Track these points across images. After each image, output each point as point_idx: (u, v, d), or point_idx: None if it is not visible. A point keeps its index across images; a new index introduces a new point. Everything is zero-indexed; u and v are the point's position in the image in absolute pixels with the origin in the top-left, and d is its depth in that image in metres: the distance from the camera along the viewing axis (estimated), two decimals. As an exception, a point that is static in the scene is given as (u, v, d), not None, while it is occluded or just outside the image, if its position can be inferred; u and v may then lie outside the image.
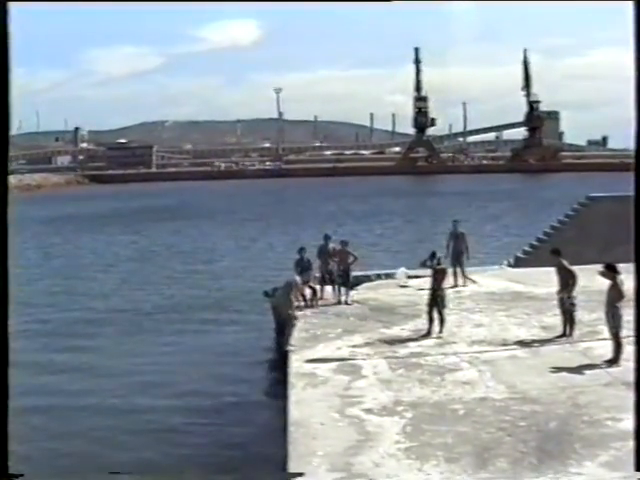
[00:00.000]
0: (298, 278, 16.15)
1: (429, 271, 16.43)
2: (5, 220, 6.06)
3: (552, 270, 15.47)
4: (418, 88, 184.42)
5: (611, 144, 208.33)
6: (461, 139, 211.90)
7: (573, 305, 14.94)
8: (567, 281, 14.84)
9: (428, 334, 15.56)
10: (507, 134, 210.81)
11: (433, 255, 16.45)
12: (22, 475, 6.31)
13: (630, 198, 7.18)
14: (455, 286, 20.34)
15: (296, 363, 13.94)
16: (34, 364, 18.54)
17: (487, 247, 40.21)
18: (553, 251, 15.56)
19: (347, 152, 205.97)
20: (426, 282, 16.94)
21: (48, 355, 20.39)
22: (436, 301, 15.66)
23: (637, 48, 6.08)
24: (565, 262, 15.05)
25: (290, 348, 14.93)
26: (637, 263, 6.92)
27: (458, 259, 20.89)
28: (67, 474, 12.86)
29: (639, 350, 7.50)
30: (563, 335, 15.00)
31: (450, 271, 18.85)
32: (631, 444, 9.07)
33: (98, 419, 15.49)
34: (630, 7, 6.18)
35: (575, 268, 15.06)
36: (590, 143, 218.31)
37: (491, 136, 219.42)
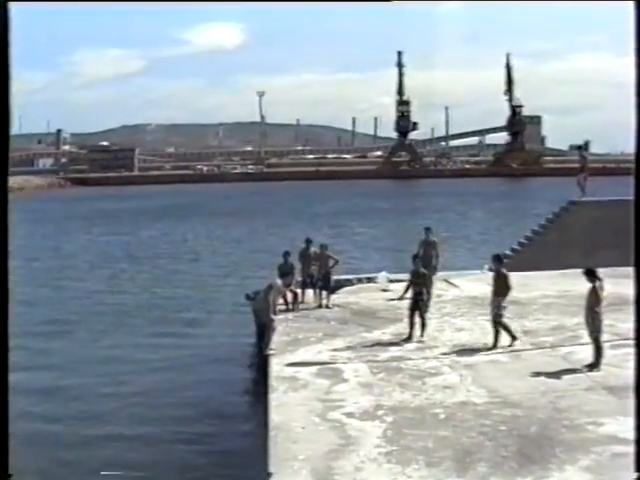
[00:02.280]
0: (279, 281, 16.08)
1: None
2: (5, 221, 5.97)
3: (533, 275, 15.48)
4: (400, 92, 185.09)
5: (593, 149, 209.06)
6: (443, 143, 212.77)
7: (500, 315, 14.74)
8: (503, 290, 14.68)
9: (409, 338, 15.51)
10: (489, 138, 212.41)
11: (415, 257, 16.44)
12: (11, 475, 6.22)
13: (611, 203, 7.19)
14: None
15: (277, 367, 13.86)
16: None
17: (468, 251, 40.38)
18: (495, 257, 15.48)
19: (329, 156, 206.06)
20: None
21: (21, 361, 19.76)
22: (418, 305, 15.63)
23: (637, 48, 6.04)
24: (504, 270, 14.91)
25: (271, 352, 14.86)
26: (637, 266, 6.87)
27: (427, 267, 20.45)
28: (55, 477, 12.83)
29: (639, 352, 7.49)
30: (493, 347, 14.68)
31: None
32: (612, 448, 9.22)
33: (74, 424, 15.38)
34: (630, 7, 6.14)
35: (557, 272, 15.06)
36: (572, 148, 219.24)
37: (473, 140, 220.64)
